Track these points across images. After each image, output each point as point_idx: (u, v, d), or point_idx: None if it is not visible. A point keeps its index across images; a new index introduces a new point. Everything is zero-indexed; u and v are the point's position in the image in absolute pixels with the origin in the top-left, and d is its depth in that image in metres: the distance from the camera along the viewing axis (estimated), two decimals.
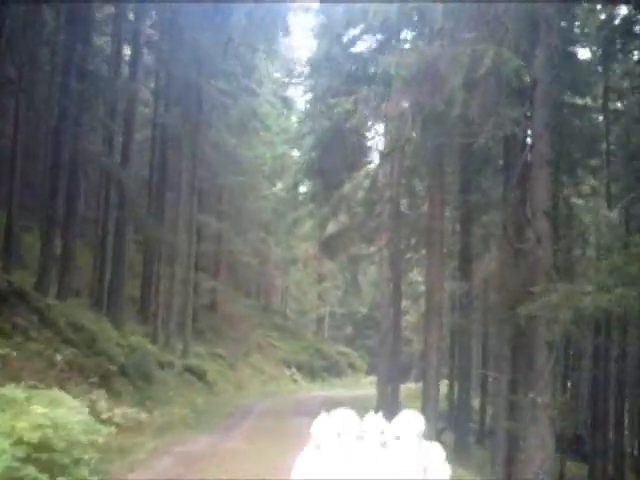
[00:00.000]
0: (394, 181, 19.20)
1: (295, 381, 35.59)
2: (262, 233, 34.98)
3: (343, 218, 22.68)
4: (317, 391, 32.86)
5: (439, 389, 16.22)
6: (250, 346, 34.47)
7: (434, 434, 13.52)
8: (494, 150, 17.05)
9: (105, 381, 11.47)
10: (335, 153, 18.40)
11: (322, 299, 44.29)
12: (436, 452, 3.61)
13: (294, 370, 36.21)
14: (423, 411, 20.38)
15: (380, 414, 3.60)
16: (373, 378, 41.47)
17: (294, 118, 35.86)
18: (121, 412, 10.03)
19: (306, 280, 43.16)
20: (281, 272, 38.46)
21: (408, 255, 25.02)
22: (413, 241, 26.77)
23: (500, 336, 15.42)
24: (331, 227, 22.94)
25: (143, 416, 10.87)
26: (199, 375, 24.05)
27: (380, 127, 21.88)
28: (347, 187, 19.66)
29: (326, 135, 18.69)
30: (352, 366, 44.20)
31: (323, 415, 3.49)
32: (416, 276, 30.90)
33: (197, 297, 31.73)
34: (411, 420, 3.53)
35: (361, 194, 21.25)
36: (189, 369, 23.57)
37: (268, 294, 45.65)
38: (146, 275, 26.52)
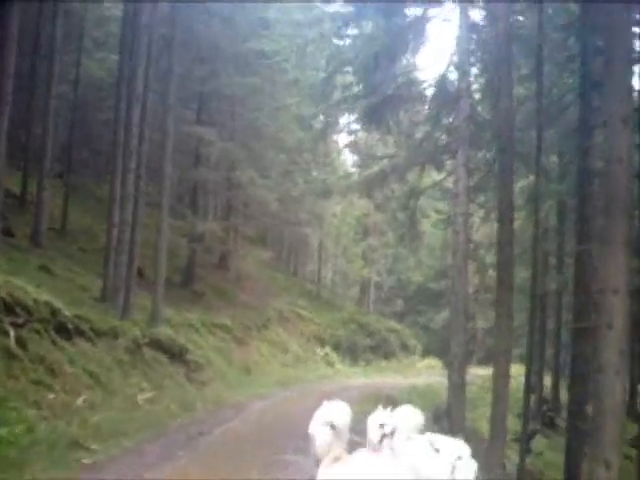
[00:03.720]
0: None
1: (330, 364, 26.62)
2: (284, 159, 25.62)
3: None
4: (358, 378, 23.90)
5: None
6: (269, 316, 25.64)
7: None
8: None
9: None
10: None
11: (367, 260, 34.93)
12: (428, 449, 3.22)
13: (328, 349, 27.26)
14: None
15: (388, 409, 3.40)
16: (431, 361, 32.51)
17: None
18: None
19: (346, 234, 33.91)
20: (311, 216, 29.11)
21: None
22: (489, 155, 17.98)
23: None
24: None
25: None
26: (172, 353, 15.39)
27: None
28: None
29: None
30: (404, 347, 34.86)
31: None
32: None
33: (200, 251, 23.34)
34: (409, 414, 3.36)
35: None
36: (155, 343, 14.90)
37: (299, 257, 36.89)
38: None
